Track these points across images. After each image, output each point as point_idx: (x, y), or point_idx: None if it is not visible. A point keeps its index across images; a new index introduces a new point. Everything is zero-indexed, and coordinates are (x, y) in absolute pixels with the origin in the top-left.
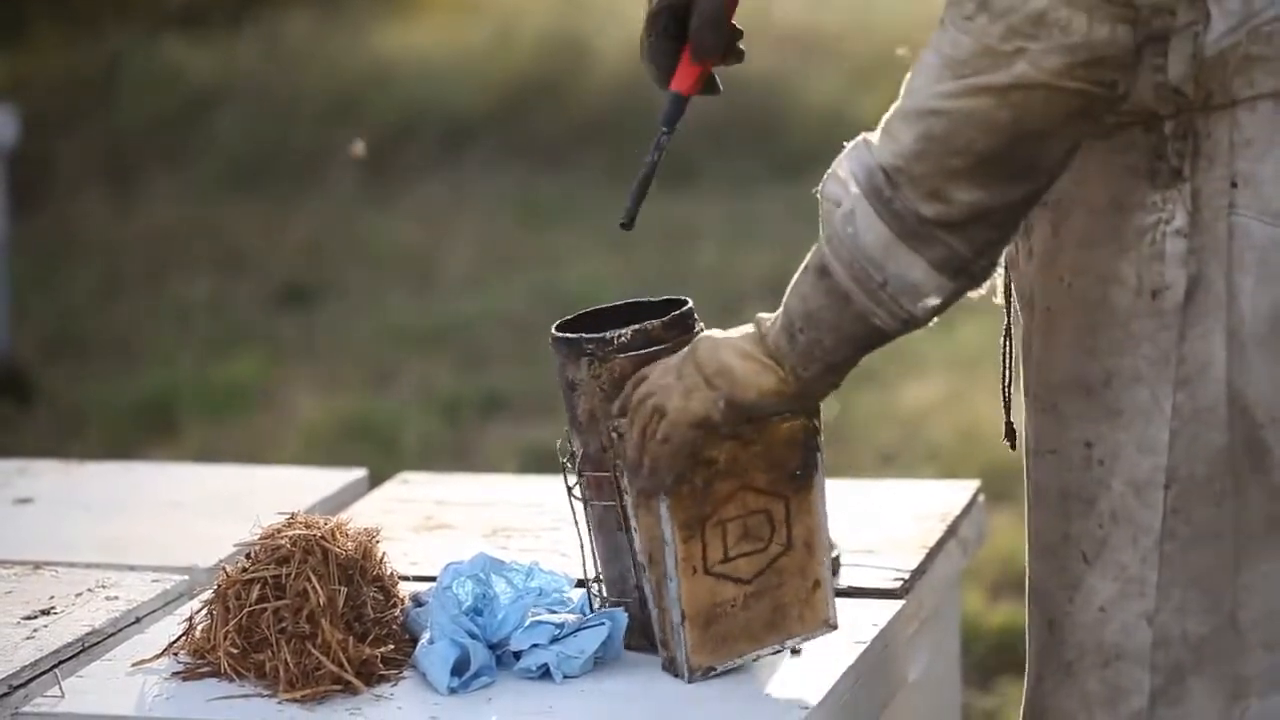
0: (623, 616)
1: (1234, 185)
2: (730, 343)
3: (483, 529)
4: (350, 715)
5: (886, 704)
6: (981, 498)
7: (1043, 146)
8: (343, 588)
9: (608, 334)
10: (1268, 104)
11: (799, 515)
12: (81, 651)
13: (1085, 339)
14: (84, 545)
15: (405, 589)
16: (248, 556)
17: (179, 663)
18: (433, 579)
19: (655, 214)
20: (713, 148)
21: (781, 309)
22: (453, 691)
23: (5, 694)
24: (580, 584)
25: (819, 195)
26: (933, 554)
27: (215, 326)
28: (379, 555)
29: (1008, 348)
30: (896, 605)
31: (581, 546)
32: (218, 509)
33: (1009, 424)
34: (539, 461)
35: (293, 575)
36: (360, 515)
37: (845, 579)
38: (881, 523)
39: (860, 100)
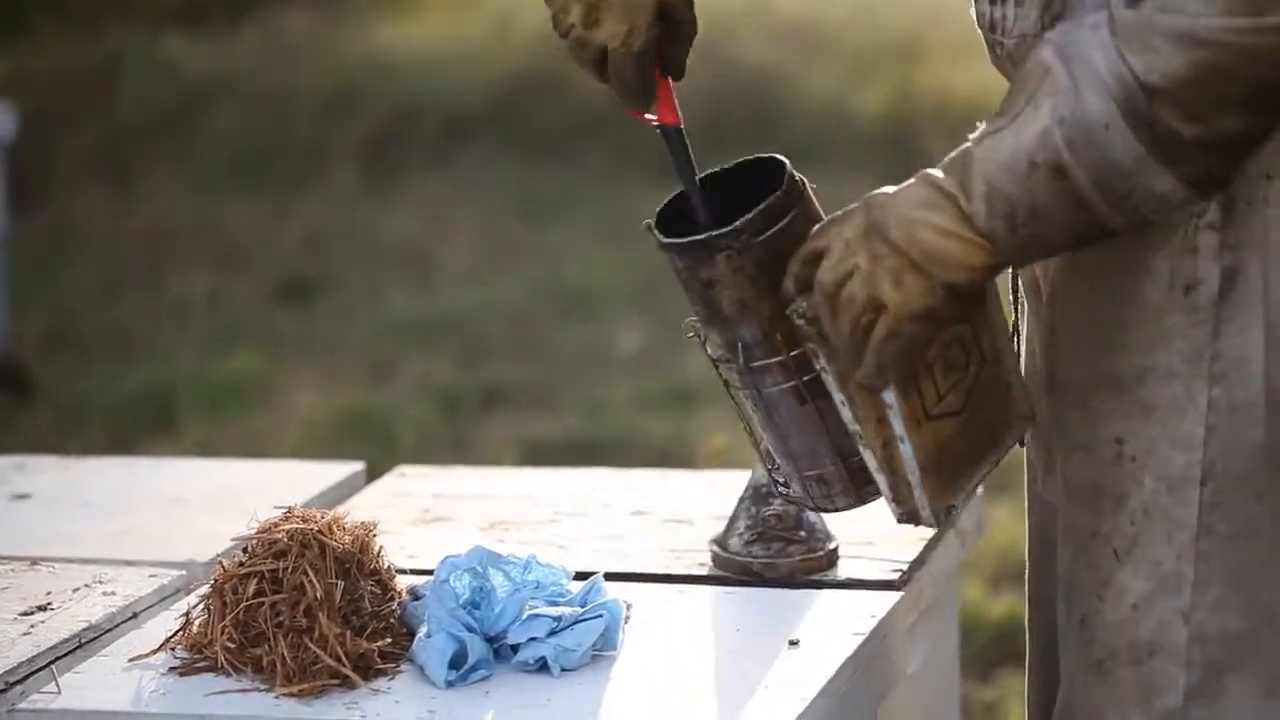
0: (619, 608)
1: (1268, 178)
2: (924, 220)
3: (480, 522)
4: (347, 709)
5: (885, 695)
6: (980, 489)
7: None
8: (340, 581)
9: (738, 224)
10: None
11: (983, 331)
12: (78, 647)
13: (1114, 335)
14: (82, 541)
15: (403, 582)
16: (244, 551)
17: (176, 658)
18: (430, 572)
19: (654, 208)
20: (712, 140)
21: (985, 186)
22: (450, 685)
23: (2, 690)
24: (578, 577)
25: (1022, 59)
26: (931, 545)
27: (214, 322)
28: (376, 549)
29: (1015, 345)
30: (895, 597)
31: (752, 435)
32: (216, 504)
33: None
34: (539, 454)
35: (289, 569)
36: (358, 509)
37: (843, 571)
38: (880, 515)
39: (860, 92)
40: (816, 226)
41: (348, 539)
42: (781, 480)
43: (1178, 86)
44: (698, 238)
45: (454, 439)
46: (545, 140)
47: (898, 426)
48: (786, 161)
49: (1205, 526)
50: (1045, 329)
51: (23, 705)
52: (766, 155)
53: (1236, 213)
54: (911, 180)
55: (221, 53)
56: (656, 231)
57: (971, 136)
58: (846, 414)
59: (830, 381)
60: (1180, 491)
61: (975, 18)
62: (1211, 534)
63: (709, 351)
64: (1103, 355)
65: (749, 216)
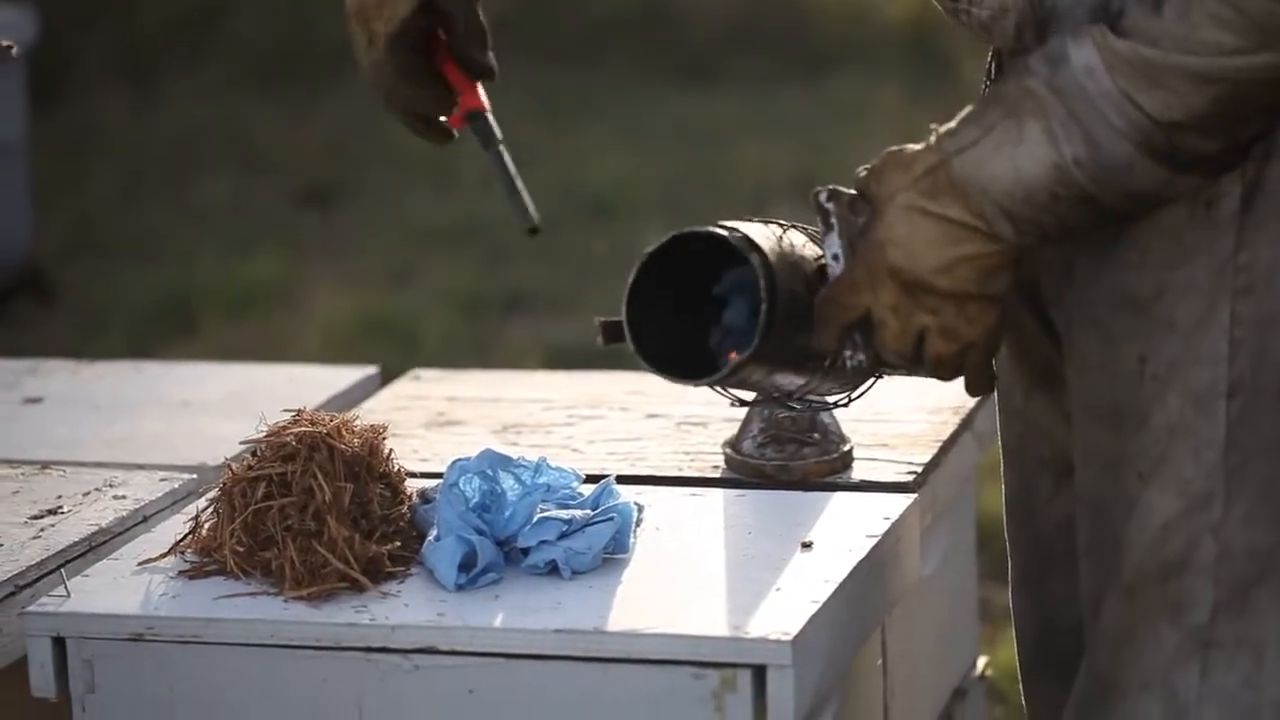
0: (630, 511)
1: None
2: (959, 257)
3: (494, 425)
4: (356, 612)
5: (900, 598)
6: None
7: None
8: (348, 485)
9: (758, 339)
10: None
11: None
12: (88, 551)
13: (1131, 254)
14: (93, 445)
15: (414, 486)
16: (253, 454)
17: (185, 561)
18: (442, 476)
19: (676, 112)
20: (734, 45)
21: (997, 209)
22: (460, 588)
23: (11, 594)
24: (591, 480)
25: (1001, 34)
26: (946, 448)
27: (236, 226)
28: (385, 452)
29: None
30: (909, 499)
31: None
32: (228, 407)
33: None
34: (561, 359)
35: (298, 472)
36: (371, 412)
37: (857, 473)
38: (895, 417)
39: None
40: (831, 291)
41: (357, 442)
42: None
43: (1199, 121)
44: (730, 369)
45: (475, 344)
46: (567, 44)
47: None
48: (727, 234)
49: (1233, 441)
50: (1059, 249)
51: (33, 608)
52: (688, 231)
53: None
54: (903, 215)
55: None
56: (665, 373)
57: (936, 143)
58: (899, 374)
59: (887, 370)
60: (1206, 407)
61: None
62: (1239, 448)
63: (735, 397)
64: (1119, 274)
65: (761, 328)
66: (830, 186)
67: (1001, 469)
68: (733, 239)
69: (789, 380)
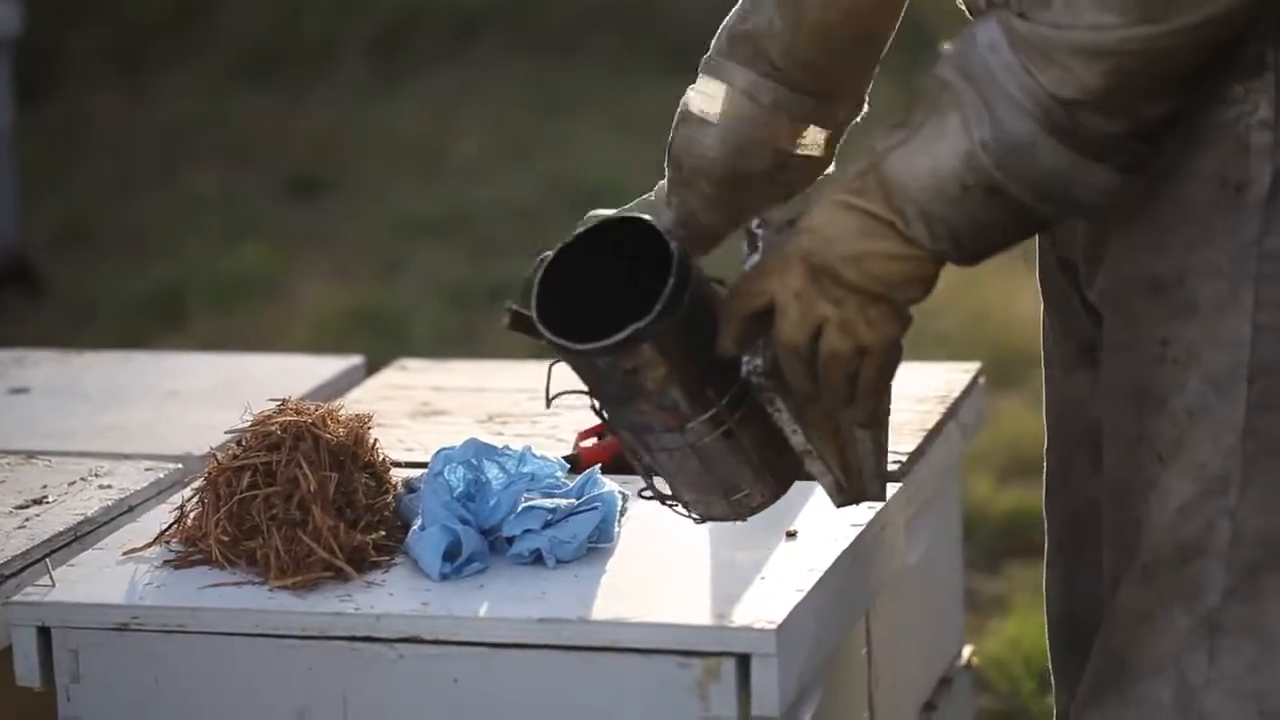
0: (615, 500)
1: None
2: (871, 251)
3: (479, 415)
4: (341, 602)
5: (884, 587)
6: (982, 380)
7: (1230, 45)
8: (333, 474)
9: (660, 308)
10: None
11: None
12: (73, 540)
13: (1156, 235)
14: (79, 435)
15: (399, 475)
16: (238, 444)
17: (170, 551)
18: (427, 465)
19: (666, 99)
20: None
21: (916, 209)
22: (444, 578)
23: None
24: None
25: (942, 72)
26: (931, 437)
27: (225, 218)
28: (370, 441)
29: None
30: (893, 488)
31: (650, 482)
32: (213, 397)
33: None
34: (547, 349)
35: (283, 462)
36: (357, 402)
37: None
38: None
39: None
40: (739, 281)
41: (342, 431)
42: (695, 511)
43: (1096, 97)
44: (624, 336)
45: (464, 335)
46: (556, 33)
47: (859, 434)
48: (650, 219)
49: (1251, 427)
50: (1089, 231)
51: (17, 598)
52: (606, 219)
53: None
54: (828, 208)
55: None
56: (562, 340)
57: (876, 145)
58: (798, 440)
59: (784, 420)
60: (1227, 392)
61: None
62: (1256, 434)
63: (620, 429)
64: (1144, 256)
65: (665, 297)
66: (764, 215)
67: (1044, 445)
68: (655, 224)
69: (683, 404)
